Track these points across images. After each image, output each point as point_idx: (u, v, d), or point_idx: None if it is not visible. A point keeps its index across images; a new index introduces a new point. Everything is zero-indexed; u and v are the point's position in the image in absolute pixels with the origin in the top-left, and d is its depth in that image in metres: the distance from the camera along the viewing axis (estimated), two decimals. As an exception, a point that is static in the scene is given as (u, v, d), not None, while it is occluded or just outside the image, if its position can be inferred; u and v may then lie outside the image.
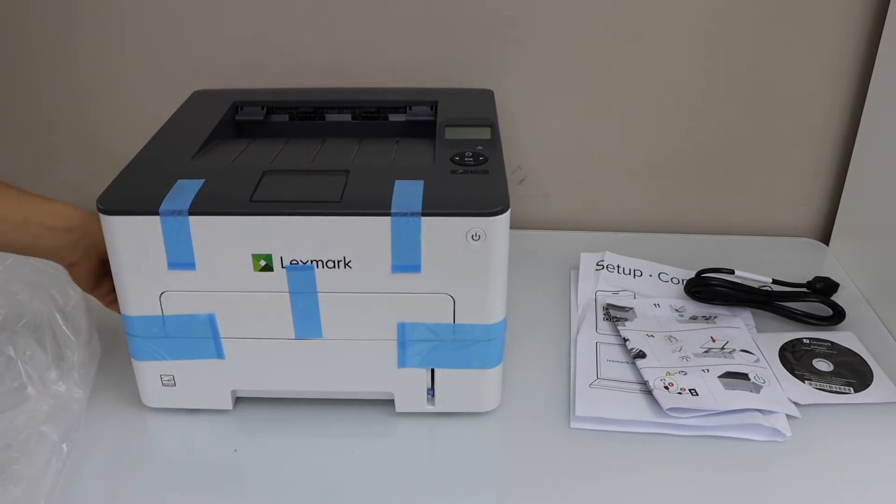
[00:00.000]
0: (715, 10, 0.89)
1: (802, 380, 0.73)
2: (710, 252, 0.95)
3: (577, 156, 0.99)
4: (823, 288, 0.84)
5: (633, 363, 0.75)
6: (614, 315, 0.82)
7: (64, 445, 0.64)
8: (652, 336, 0.78)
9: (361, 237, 0.60)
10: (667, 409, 0.68)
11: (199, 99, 0.85)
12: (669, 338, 0.78)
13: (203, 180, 0.63)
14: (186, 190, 0.61)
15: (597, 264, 0.91)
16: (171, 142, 0.72)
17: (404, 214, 0.59)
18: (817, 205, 1.01)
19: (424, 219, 0.59)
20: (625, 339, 0.78)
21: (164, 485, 0.63)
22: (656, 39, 0.91)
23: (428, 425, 0.69)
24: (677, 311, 0.83)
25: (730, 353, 0.76)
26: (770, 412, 0.68)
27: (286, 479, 0.63)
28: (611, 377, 0.73)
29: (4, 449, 0.62)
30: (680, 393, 0.70)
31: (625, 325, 0.80)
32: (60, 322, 0.73)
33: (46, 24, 0.94)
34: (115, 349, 0.75)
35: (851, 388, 0.73)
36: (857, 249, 0.92)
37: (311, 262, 0.61)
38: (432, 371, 0.67)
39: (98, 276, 0.68)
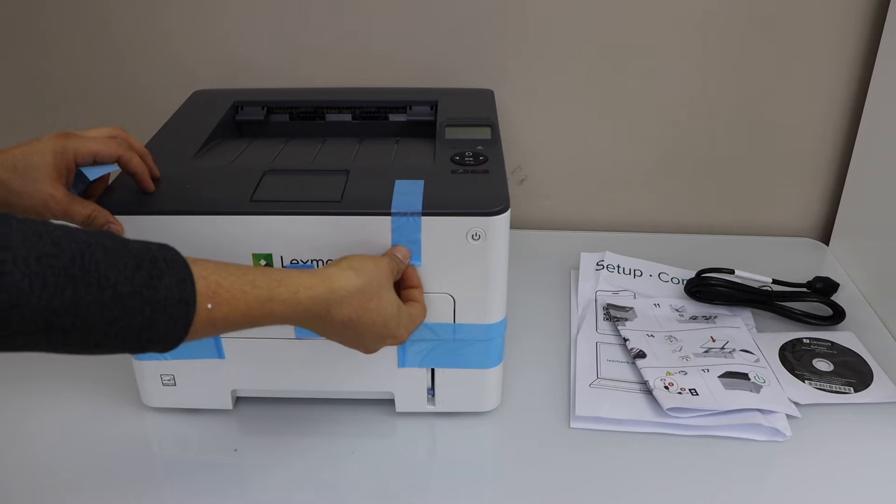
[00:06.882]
0: (715, 10, 0.89)
1: (802, 380, 0.73)
2: (710, 252, 0.95)
3: (577, 156, 0.99)
4: (823, 288, 0.84)
5: (633, 363, 0.75)
6: (614, 315, 0.82)
7: None
8: (652, 336, 0.78)
9: (361, 237, 0.60)
10: (667, 409, 0.68)
11: (199, 99, 0.85)
12: (669, 338, 0.78)
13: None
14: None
15: (597, 264, 0.91)
16: (171, 142, 0.72)
17: (404, 214, 0.59)
18: (817, 205, 1.01)
19: (424, 218, 0.59)
20: (625, 339, 0.78)
21: (165, 485, 0.63)
22: (657, 40, 0.91)
23: (428, 425, 0.69)
24: (677, 311, 0.83)
25: (730, 352, 0.76)
26: (770, 412, 0.68)
27: (286, 479, 0.63)
28: (611, 377, 0.73)
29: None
30: (680, 393, 0.70)
31: (625, 325, 0.80)
32: None
33: (45, 24, 0.94)
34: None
35: (851, 388, 0.73)
36: (857, 249, 0.92)
37: (311, 261, 0.61)
38: (432, 371, 0.67)
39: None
